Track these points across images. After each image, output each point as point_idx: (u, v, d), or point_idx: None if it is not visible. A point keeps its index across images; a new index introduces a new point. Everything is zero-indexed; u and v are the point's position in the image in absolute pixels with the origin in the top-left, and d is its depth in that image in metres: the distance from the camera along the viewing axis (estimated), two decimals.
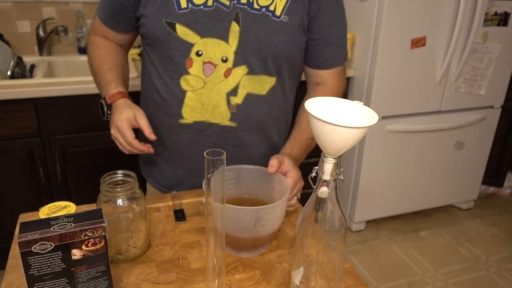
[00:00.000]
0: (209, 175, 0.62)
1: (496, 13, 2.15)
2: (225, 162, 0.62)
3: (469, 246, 2.37)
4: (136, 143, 0.94)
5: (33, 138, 1.79)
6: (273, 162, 0.90)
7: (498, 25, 2.18)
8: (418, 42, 2.05)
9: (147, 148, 0.96)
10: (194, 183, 1.08)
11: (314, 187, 0.66)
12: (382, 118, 2.16)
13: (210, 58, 0.96)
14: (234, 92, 0.99)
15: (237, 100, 1.00)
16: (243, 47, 0.96)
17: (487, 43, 2.20)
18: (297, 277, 0.72)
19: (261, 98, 1.02)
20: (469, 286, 2.07)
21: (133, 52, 2.17)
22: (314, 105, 0.65)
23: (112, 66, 1.07)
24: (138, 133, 1.00)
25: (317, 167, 0.65)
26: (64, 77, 2.11)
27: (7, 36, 2.06)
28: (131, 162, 1.97)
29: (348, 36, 2.21)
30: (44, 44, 2.13)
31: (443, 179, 2.49)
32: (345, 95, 2.27)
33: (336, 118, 0.58)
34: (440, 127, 2.30)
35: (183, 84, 0.99)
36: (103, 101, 1.04)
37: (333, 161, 0.63)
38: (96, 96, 1.78)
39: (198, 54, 0.96)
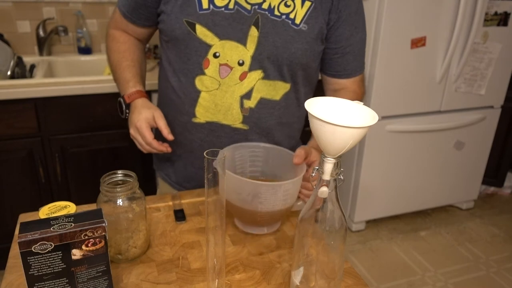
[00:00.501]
0: (209, 175, 0.62)
1: (496, 13, 2.15)
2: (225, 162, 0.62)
3: (469, 246, 2.37)
4: (155, 143, 0.98)
5: (33, 138, 1.79)
6: (300, 152, 0.88)
7: (498, 25, 2.18)
8: (418, 42, 2.05)
9: (165, 148, 0.99)
10: (203, 181, 1.09)
11: (314, 187, 0.66)
12: (382, 118, 2.16)
13: (227, 60, 0.96)
14: (248, 95, 0.99)
15: (250, 103, 1.00)
16: (260, 52, 0.96)
17: (487, 43, 2.20)
18: (297, 277, 0.72)
19: (274, 103, 1.02)
20: (469, 286, 2.07)
21: None
22: (314, 105, 0.65)
23: (130, 63, 1.08)
24: (155, 131, 1.01)
25: (317, 167, 0.65)
26: (64, 77, 2.11)
27: (7, 36, 2.06)
28: (131, 162, 1.97)
29: None
30: (44, 44, 2.13)
31: (443, 179, 2.49)
32: None
33: (336, 118, 0.58)
34: (440, 127, 2.30)
35: (198, 84, 1.00)
36: (122, 100, 1.06)
37: (333, 161, 0.63)
38: (95, 96, 1.79)
39: (215, 56, 0.96)
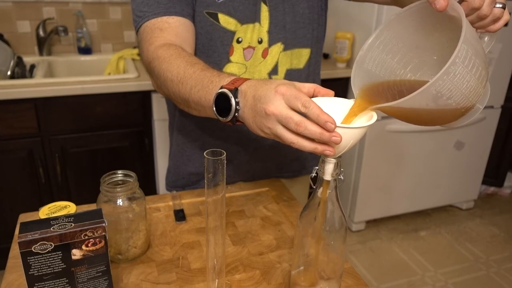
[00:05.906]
0: (209, 175, 0.62)
1: None
2: (225, 162, 0.62)
3: (469, 246, 2.37)
4: (328, 116, 0.58)
5: (33, 138, 1.79)
6: None
7: None
8: None
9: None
10: (255, 170, 1.12)
11: (314, 187, 0.66)
12: (382, 118, 2.16)
13: (249, 43, 0.97)
14: (274, 71, 1.01)
15: (279, 78, 1.01)
16: (275, 25, 0.98)
17: None
18: None
19: (299, 72, 1.04)
20: (469, 286, 2.07)
21: (133, 52, 2.17)
22: None
23: (205, 66, 0.80)
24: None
25: (317, 167, 0.65)
26: (64, 77, 2.12)
27: (7, 36, 2.06)
28: (131, 162, 1.97)
29: (348, 36, 2.22)
30: (44, 44, 2.13)
31: (443, 179, 2.49)
32: (344, 95, 2.27)
33: (335, 118, 0.58)
34: (440, 127, 2.30)
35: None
36: (226, 91, 0.67)
37: (334, 161, 0.63)
38: (95, 96, 1.79)
39: (238, 41, 0.97)
